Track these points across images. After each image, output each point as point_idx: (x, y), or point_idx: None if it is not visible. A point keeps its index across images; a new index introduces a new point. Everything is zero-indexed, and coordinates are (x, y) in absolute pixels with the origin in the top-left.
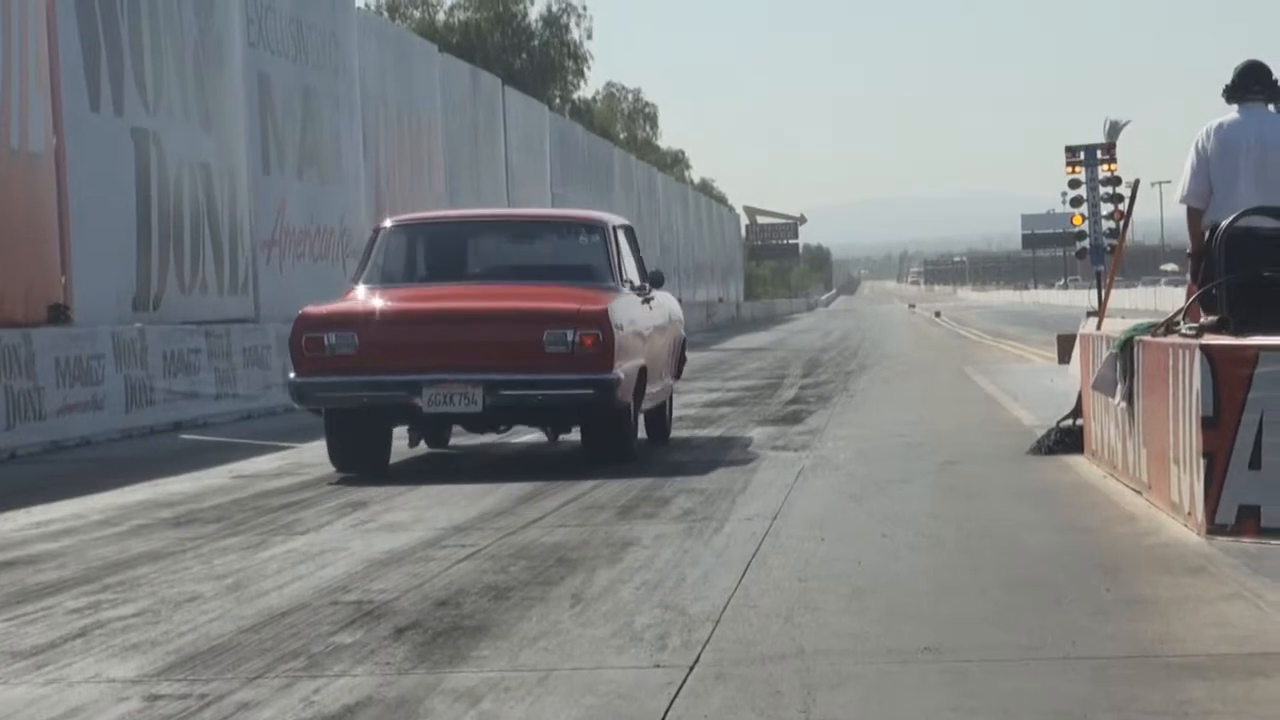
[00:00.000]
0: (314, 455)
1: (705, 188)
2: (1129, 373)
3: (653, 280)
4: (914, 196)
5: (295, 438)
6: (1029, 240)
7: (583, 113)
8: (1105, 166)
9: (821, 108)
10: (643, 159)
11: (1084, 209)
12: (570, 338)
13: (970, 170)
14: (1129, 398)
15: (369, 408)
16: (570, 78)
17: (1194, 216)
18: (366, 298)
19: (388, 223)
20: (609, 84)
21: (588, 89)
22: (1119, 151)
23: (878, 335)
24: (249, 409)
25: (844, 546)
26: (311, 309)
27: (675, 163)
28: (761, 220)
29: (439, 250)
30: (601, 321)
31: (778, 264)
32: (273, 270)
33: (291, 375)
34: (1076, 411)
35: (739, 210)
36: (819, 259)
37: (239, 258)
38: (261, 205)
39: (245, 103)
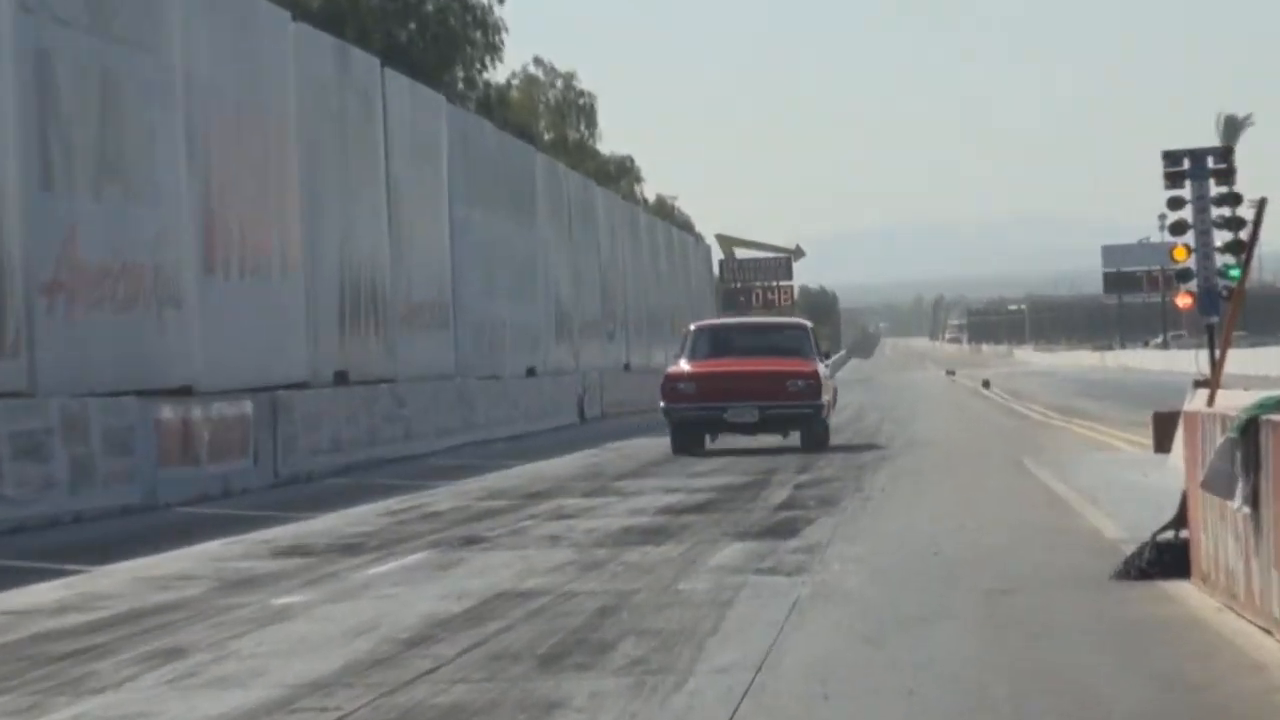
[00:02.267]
0: (117, 582)
1: (663, 208)
2: (1254, 466)
3: (824, 354)
4: (949, 223)
5: (86, 558)
6: (1113, 281)
7: (494, 104)
8: (1219, 179)
9: (822, 103)
10: (576, 167)
11: (1189, 238)
12: (800, 384)
13: (1027, 187)
14: (1253, 500)
15: (698, 420)
16: (478, 55)
17: None
18: (694, 365)
19: (693, 326)
20: (531, 63)
21: (501, 71)
22: (1238, 158)
23: (904, 412)
24: (20, 518)
25: (856, 709)
26: (673, 370)
27: (621, 173)
28: (742, 254)
29: (723, 340)
30: (814, 376)
31: (765, 314)
32: (57, 323)
33: (661, 404)
34: (1180, 520)
35: (709, 240)
36: (821, 307)
37: (6, 307)
38: (40, 234)
39: (15, 91)
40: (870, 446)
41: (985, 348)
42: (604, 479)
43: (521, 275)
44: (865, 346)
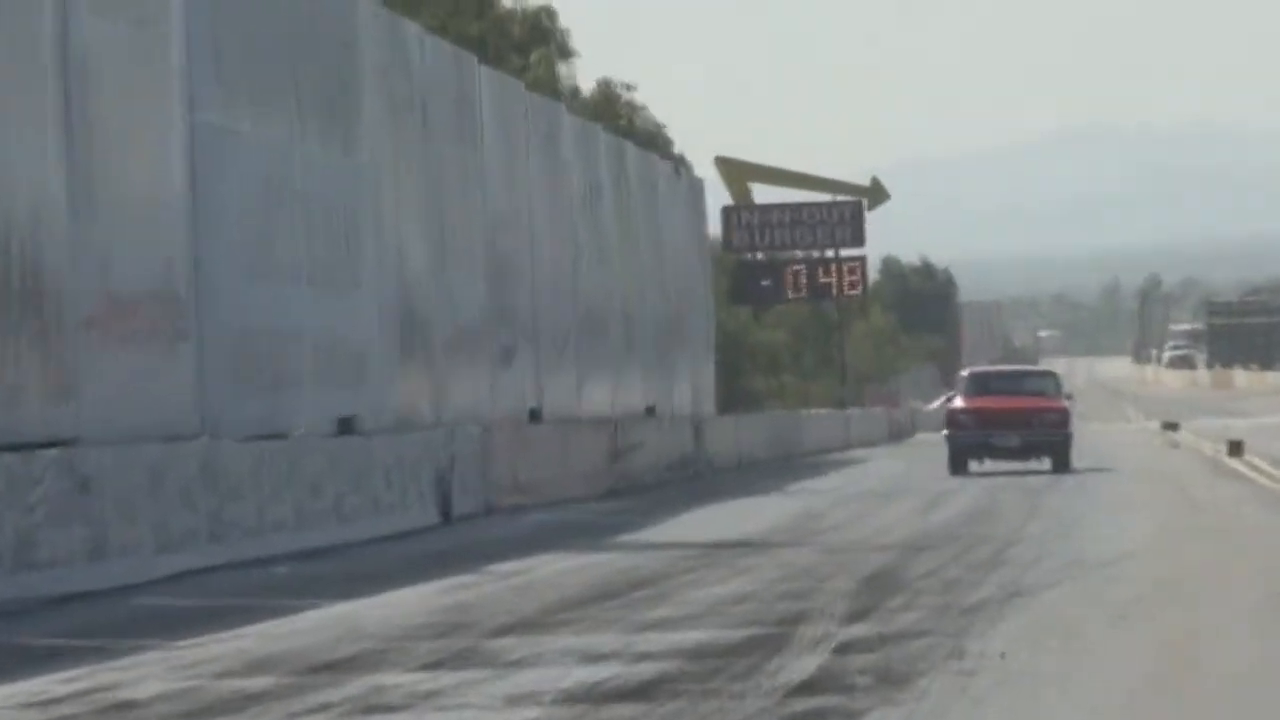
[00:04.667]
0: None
1: (608, 106)
2: None
3: (1069, 395)
4: (1159, 135)
5: None
6: None
7: None
8: None
9: None
10: (448, 26)
11: None
12: (1054, 417)
13: None
14: None
15: (973, 444)
16: None
17: None
18: (969, 402)
19: (965, 372)
20: None
21: None
22: None
23: (1072, 510)
24: None
25: None
26: (958, 403)
27: (533, 40)
28: (767, 196)
29: (988, 381)
30: (1064, 411)
31: (813, 309)
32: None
33: (944, 433)
34: None
35: (703, 172)
36: (923, 302)
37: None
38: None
39: None
40: (995, 568)
41: (1242, 374)
42: (472, 634)
43: (332, 241)
44: None
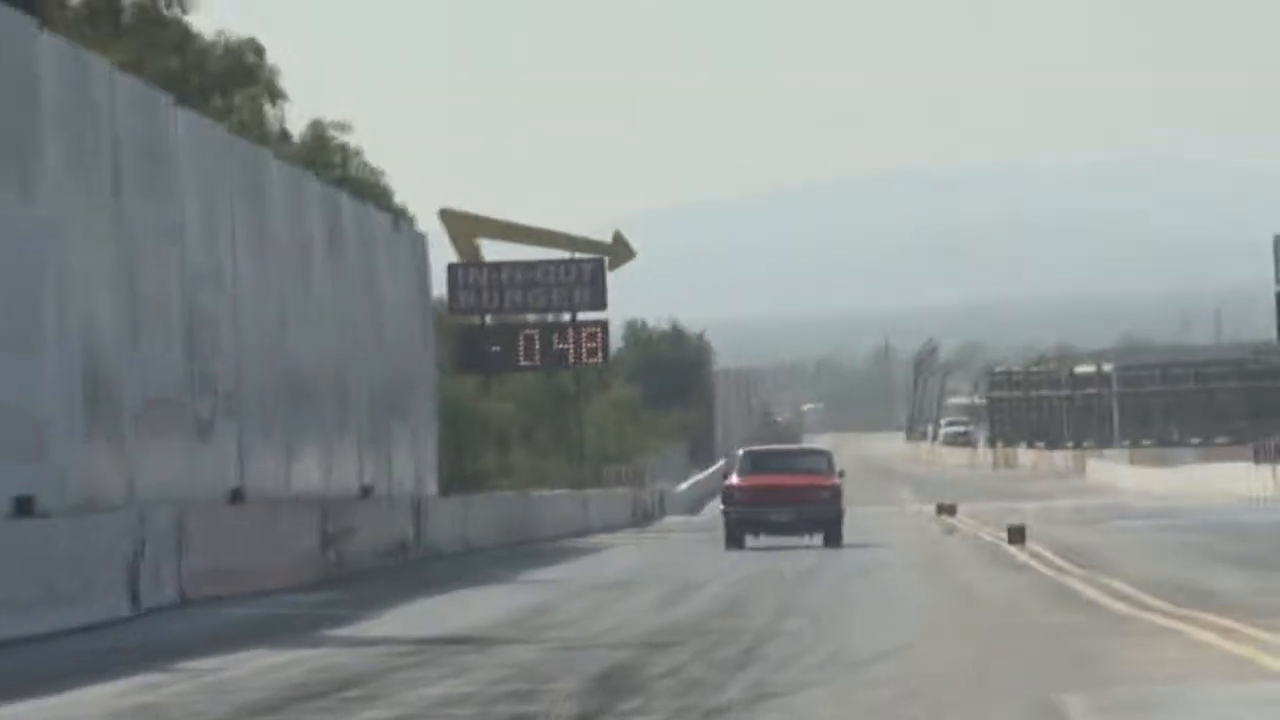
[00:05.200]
0: None
1: (319, 150)
2: None
3: (840, 472)
4: (917, 170)
5: None
6: None
7: None
8: None
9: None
10: (142, 64)
11: None
12: (826, 494)
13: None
14: None
15: (749, 519)
16: None
17: None
18: (744, 480)
19: (741, 451)
20: None
21: None
22: None
23: (834, 603)
24: None
25: None
26: (734, 480)
27: (238, 78)
28: (498, 254)
29: (764, 459)
30: (836, 487)
31: (548, 378)
32: None
33: (721, 509)
34: None
35: (426, 225)
36: (674, 371)
37: None
38: None
39: None
40: (746, 663)
41: (1028, 454)
42: None
43: (6, 300)
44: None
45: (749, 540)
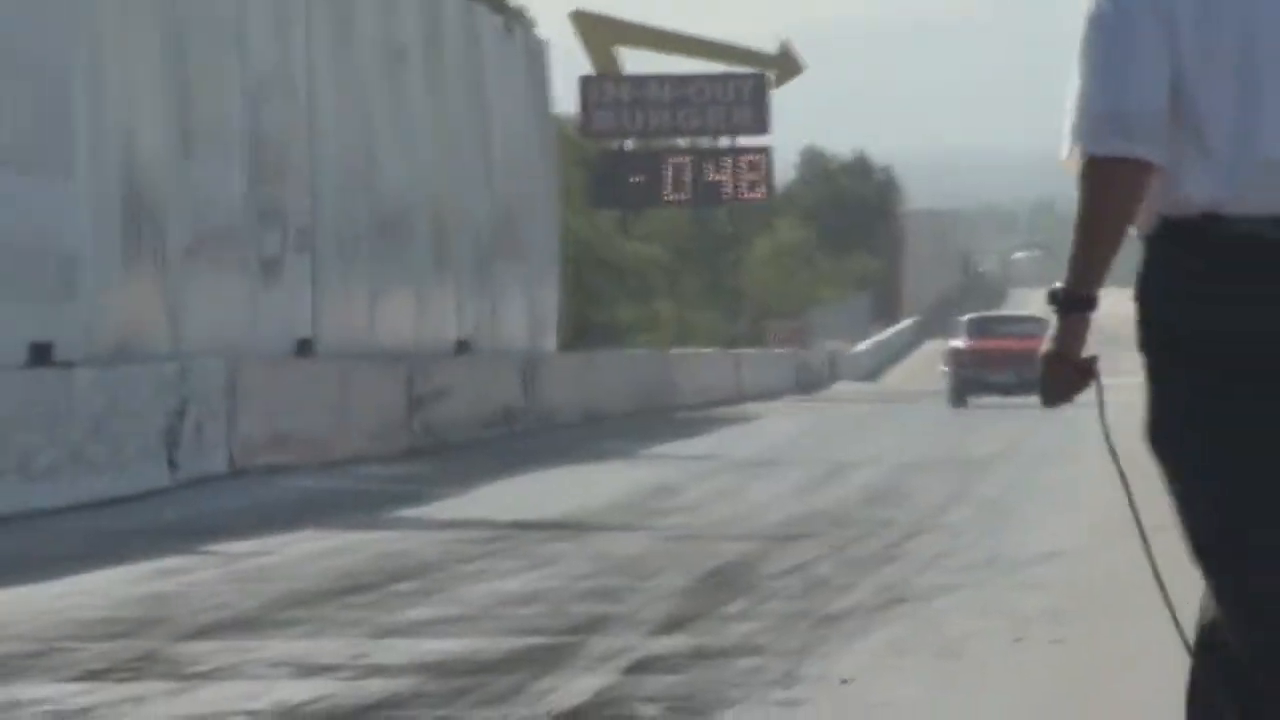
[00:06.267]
0: None
1: None
2: None
3: None
4: None
5: None
6: None
7: None
8: None
9: None
10: None
11: None
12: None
13: None
14: None
15: (971, 380)
16: None
17: (1127, 177)
18: (969, 343)
19: (964, 318)
20: None
21: None
22: None
23: (999, 488)
24: None
25: None
26: (959, 345)
27: None
28: (640, 63)
29: (983, 325)
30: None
31: (700, 216)
32: None
33: (946, 369)
34: None
35: (549, 30)
36: (848, 204)
37: None
38: None
39: None
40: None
41: None
42: (163, 634)
43: (31, 112)
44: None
45: (971, 400)
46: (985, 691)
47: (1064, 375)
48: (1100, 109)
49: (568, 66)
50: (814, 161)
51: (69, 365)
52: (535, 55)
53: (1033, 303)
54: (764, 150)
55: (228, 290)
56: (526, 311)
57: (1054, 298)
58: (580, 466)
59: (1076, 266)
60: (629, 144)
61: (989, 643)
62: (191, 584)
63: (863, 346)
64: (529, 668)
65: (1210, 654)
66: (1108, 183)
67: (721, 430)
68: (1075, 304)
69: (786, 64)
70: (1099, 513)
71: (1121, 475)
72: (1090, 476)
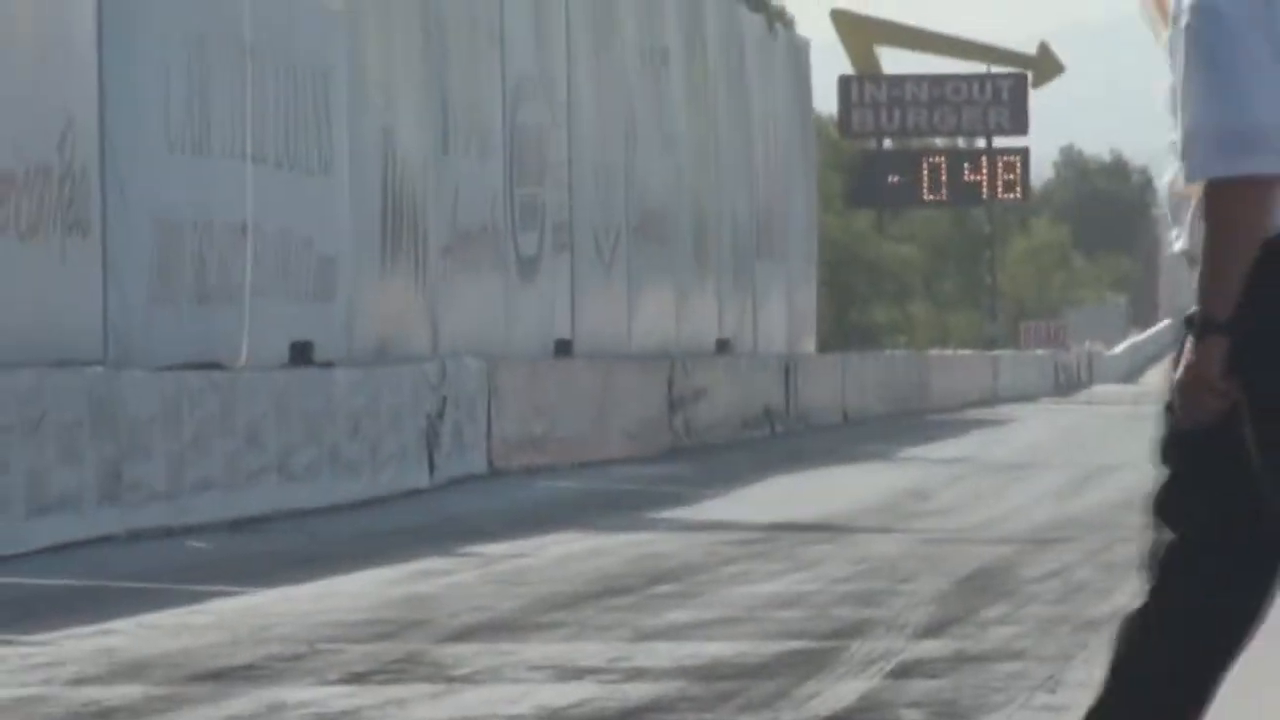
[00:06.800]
0: None
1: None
2: None
3: None
4: None
5: None
6: None
7: None
8: None
9: None
10: None
11: None
12: None
13: None
14: None
15: None
16: None
17: (1257, 195)
18: None
19: None
20: None
21: None
22: None
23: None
24: None
25: None
26: None
27: None
28: (896, 64)
29: None
30: None
31: (958, 216)
32: None
33: None
34: None
35: (808, 29)
36: (1105, 206)
37: None
38: None
39: None
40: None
41: None
42: (423, 637)
43: (291, 111)
44: None
45: None
46: (1247, 697)
47: (1202, 399)
48: (1226, 127)
49: (825, 64)
50: (1074, 162)
51: (329, 365)
52: (797, 55)
53: None
54: (1022, 150)
55: (485, 290)
56: (785, 312)
57: (1189, 322)
58: (838, 468)
59: (1210, 288)
60: (887, 144)
61: (1251, 650)
62: (451, 585)
63: (1120, 348)
64: (792, 672)
65: None
66: (1240, 202)
67: (978, 432)
68: (1211, 327)
69: (1046, 64)
70: None
71: None
72: None
